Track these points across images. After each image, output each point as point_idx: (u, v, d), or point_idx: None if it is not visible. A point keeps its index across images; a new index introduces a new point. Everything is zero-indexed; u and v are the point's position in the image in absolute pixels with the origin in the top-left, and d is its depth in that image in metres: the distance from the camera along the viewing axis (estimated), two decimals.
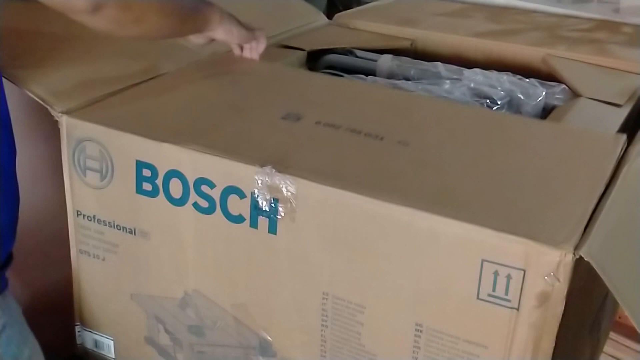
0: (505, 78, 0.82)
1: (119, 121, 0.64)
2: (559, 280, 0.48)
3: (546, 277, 0.49)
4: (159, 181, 0.62)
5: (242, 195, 0.58)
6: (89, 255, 0.69)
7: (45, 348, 0.66)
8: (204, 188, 0.60)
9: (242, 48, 0.79)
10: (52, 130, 0.66)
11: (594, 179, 0.55)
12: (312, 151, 0.61)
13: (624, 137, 0.62)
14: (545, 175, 0.57)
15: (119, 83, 0.70)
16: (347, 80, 0.82)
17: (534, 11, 1.08)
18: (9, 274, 0.65)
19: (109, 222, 0.67)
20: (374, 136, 0.62)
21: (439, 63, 0.87)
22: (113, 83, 0.70)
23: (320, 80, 0.81)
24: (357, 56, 0.91)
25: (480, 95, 0.79)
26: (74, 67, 0.72)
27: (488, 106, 0.78)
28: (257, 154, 0.59)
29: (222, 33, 0.74)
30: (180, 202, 0.62)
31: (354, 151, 0.60)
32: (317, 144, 0.62)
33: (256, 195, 0.58)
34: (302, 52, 0.89)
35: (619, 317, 0.93)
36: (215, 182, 0.59)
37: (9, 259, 0.64)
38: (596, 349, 0.82)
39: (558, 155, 0.61)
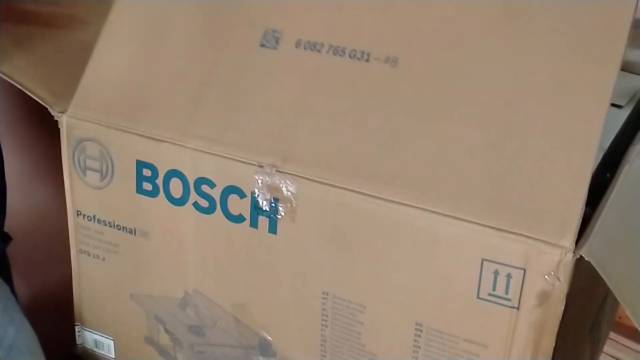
0: None
1: (118, 119, 0.64)
2: (559, 280, 0.48)
3: (546, 276, 0.49)
4: (159, 181, 0.62)
5: (242, 195, 0.58)
6: (89, 255, 0.69)
7: (45, 348, 0.66)
8: (204, 188, 0.60)
9: None
10: (51, 130, 0.66)
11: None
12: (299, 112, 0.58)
13: None
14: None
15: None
16: None
17: None
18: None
19: (109, 222, 0.67)
20: (359, 56, 0.58)
21: None
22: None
23: None
24: None
25: None
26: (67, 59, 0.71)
27: None
28: (252, 135, 0.58)
29: None
30: (180, 201, 0.62)
31: (340, 93, 0.57)
32: (302, 88, 0.59)
33: (256, 195, 0.58)
34: None
35: (619, 317, 0.93)
36: (215, 181, 0.59)
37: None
38: (596, 349, 0.82)
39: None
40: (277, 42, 0.60)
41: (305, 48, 0.60)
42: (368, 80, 0.57)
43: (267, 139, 0.58)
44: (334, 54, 0.59)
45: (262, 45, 0.61)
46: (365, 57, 0.58)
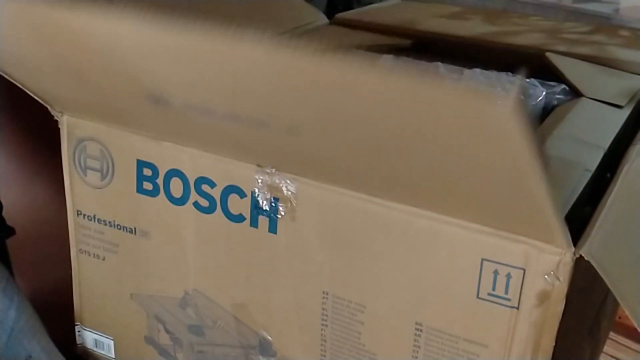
0: (505, 78, 0.82)
1: (118, 118, 0.64)
2: (559, 279, 0.48)
3: (546, 276, 0.49)
4: (160, 180, 0.62)
5: (242, 194, 0.58)
6: (89, 255, 0.69)
7: None
8: (205, 187, 0.60)
9: None
10: (51, 129, 0.66)
11: None
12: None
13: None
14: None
15: None
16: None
17: (532, 15, 1.08)
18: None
19: (109, 222, 0.67)
20: (258, 124, 0.48)
21: (439, 63, 0.87)
22: None
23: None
24: None
25: None
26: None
27: None
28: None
29: None
30: (180, 201, 0.62)
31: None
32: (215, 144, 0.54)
33: (256, 195, 0.58)
34: None
35: (619, 317, 0.93)
36: (215, 181, 0.59)
37: None
38: (596, 349, 0.82)
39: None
40: (166, 103, 0.51)
41: (199, 112, 0.50)
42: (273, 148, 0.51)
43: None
44: (231, 120, 0.49)
45: (157, 102, 0.51)
46: (266, 124, 0.48)
